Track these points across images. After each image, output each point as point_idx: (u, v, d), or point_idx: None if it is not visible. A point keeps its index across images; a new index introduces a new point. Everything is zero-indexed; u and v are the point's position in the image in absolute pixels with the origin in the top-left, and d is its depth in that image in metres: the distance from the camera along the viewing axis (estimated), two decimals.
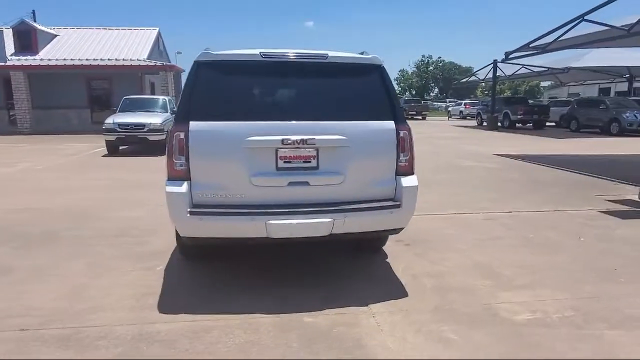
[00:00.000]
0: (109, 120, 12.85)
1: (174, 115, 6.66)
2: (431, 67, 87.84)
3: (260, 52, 3.45)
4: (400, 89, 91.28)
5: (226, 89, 3.48)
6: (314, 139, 3.34)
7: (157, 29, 26.72)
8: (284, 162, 3.36)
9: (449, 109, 43.21)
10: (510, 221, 5.78)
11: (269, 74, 3.56)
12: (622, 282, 3.88)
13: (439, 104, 59.91)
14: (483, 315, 3.27)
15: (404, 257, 4.45)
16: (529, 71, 24.55)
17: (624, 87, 30.13)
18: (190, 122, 3.28)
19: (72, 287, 3.72)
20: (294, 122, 3.37)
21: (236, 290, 3.65)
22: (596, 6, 9.51)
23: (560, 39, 10.71)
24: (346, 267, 4.24)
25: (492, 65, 25.07)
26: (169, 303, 3.43)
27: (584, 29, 10.29)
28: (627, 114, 19.40)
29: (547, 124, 25.71)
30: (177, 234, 3.80)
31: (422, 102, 44.29)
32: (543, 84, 57.17)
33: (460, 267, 4.20)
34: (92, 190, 7.72)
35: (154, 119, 12.80)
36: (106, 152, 12.98)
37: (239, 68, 3.51)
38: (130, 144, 12.97)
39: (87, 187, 8.07)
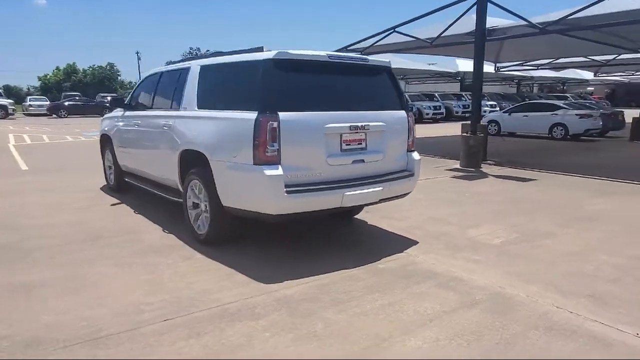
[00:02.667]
0: None
1: None
2: None
3: (327, 54, 4.10)
4: None
5: (302, 83, 4.02)
6: (368, 125, 4.22)
7: None
8: (346, 144, 4.14)
9: None
10: None
11: (332, 72, 4.24)
12: (515, 216, 5.90)
13: None
14: (476, 244, 4.74)
15: (378, 220, 5.59)
16: None
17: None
18: (279, 112, 3.74)
19: (156, 282, 3.70)
20: (353, 111, 4.17)
21: (293, 260, 4.22)
22: (404, 21, 12.18)
23: (377, 44, 13.22)
24: (349, 233, 5.18)
25: None
26: (259, 277, 3.79)
27: (395, 38, 12.91)
28: (425, 106, 24.78)
29: None
30: (213, 222, 4.23)
31: None
32: None
33: (423, 220, 5.61)
34: None
35: None
36: None
37: (311, 66, 4.09)
38: None
39: None
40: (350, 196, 4.07)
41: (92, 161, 10.52)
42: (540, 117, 16.38)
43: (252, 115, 3.76)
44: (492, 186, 7.98)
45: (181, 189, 4.93)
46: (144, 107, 5.93)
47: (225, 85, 4.43)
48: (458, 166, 9.90)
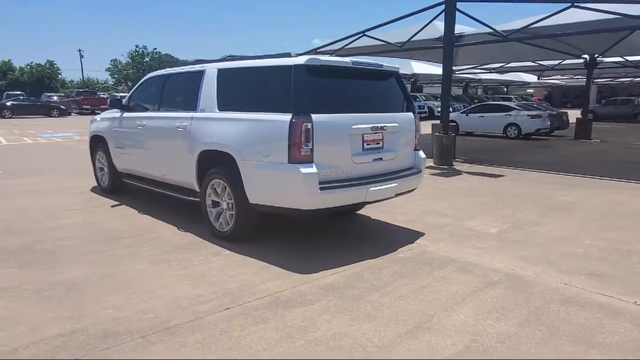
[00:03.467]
0: None
1: None
2: (147, 59, 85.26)
3: (350, 60, 4.42)
4: (114, 80, 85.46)
5: (329, 87, 4.32)
6: (385, 125, 4.58)
7: None
8: (367, 144, 4.48)
9: None
10: None
11: (354, 77, 4.55)
12: (500, 208, 6.48)
13: None
14: (477, 234, 5.22)
15: (379, 215, 5.97)
16: None
17: None
18: (312, 114, 4.02)
19: (197, 276, 3.87)
20: (372, 113, 4.52)
21: (317, 253, 4.52)
22: (374, 26, 12.69)
23: (347, 47, 13.66)
24: (358, 227, 5.53)
25: None
26: (293, 269, 4.05)
27: (366, 41, 13.39)
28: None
29: None
30: (238, 221, 4.49)
31: None
32: None
33: (420, 214, 6.05)
34: None
35: None
36: None
37: (337, 71, 4.38)
38: None
39: None
40: (373, 192, 4.42)
41: (66, 162, 10.31)
42: (496, 118, 17.46)
43: (286, 117, 4.02)
44: (469, 182, 8.58)
45: (197, 189, 5.08)
46: (149, 109, 5.98)
47: (251, 88, 4.63)
48: (432, 164, 10.49)
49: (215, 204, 4.87)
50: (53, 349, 2.75)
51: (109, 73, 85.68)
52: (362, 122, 4.41)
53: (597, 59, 17.16)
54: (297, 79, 4.11)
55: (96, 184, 7.46)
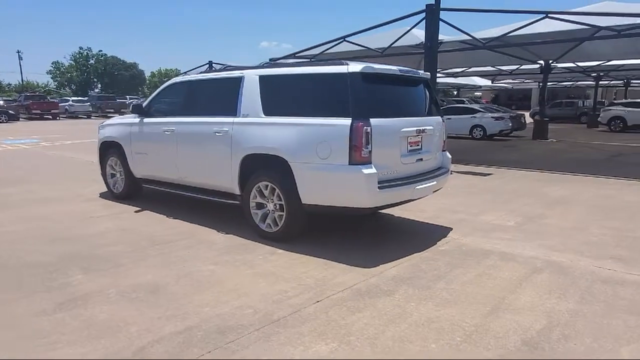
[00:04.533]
0: None
1: None
2: (92, 61, 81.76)
3: (397, 68, 4.75)
4: (56, 83, 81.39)
5: (381, 93, 4.63)
6: (425, 128, 4.95)
7: None
8: (410, 146, 4.83)
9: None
10: None
11: (400, 83, 4.89)
12: (504, 203, 7.03)
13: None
14: (497, 227, 5.69)
15: (400, 213, 6.32)
16: None
17: None
18: (370, 118, 4.32)
19: (268, 274, 4.06)
20: (414, 117, 4.88)
21: (366, 249, 4.82)
22: (355, 32, 13.11)
23: (327, 52, 14.01)
24: (388, 224, 5.87)
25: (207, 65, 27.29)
26: (355, 264, 4.32)
27: (347, 47, 13.78)
28: None
29: None
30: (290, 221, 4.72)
31: (118, 99, 42.01)
32: None
33: (436, 210, 6.47)
34: None
35: None
36: None
37: (387, 78, 4.70)
38: None
39: None
40: (419, 190, 4.78)
41: (49, 170, 10.05)
42: (462, 120, 18.41)
43: (346, 121, 4.29)
44: (462, 180, 9.13)
45: (237, 192, 5.23)
46: (176, 114, 6.03)
47: (301, 94, 4.84)
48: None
49: (260, 206, 5.05)
50: (179, 346, 2.88)
51: (51, 76, 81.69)
52: (409, 125, 4.75)
53: (552, 64, 18.49)
54: (354, 85, 4.38)
55: (101, 191, 7.38)
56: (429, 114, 5.30)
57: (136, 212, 6.30)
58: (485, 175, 9.71)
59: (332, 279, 3.99)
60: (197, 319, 3.22)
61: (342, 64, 4.53)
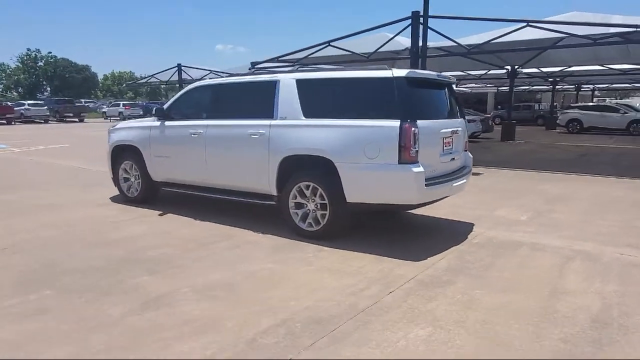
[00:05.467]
0: None
1: None
2: (41, 63, 78.05)
3: (435, 74, 5.04)
4: (2, 86, 77.14)
5: (423, 96, 4.90)
6: (457, 129, 5.28)
7: None
8: (444, 146, 5.14)
9: (105, 110, 41.56)
10: None
11: (437, 87, 5.20)
12: (510, 199, 7.49)
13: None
14: (514, 221, 6.09)
15: (418, 210, 6.62)
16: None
17: None
18: (417, 120, 4.59)
19: (326, 271, 4.24)
20: (449, 119, 5.21)
21: (405, 245, 5.07)
22: (341, 36, 13.42)
23: (311, 56, 14.22)
24: (412, 221, 6.16)
25: (176, 68, 26.91)
26: (403, 258, 4.55)
27: (332, 51, 14.03)
28: None
29: None
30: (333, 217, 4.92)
31: (77, 102, 40.35)
32: None
33: (451, 207, 6.80)
34: None
35: None
36: None
37: (427, 82, 4.99)
38: None
39: None
40: (455, 187, 5.10)
41: (39, 175, 9.72)
42: None
43: (395, 123, 4.54)
44: None
45: (274, 193, 5.36)
46: (203, 117, 6.07)
47: (344, 97, 5.04)
48: None
49: (299, 206, 5.20)
50: (286, 336, 3.02)
51: None
52: (446, 126, 5.07)
53: (518, 69, 19.54)
54: (400, 89, 4.64)
55: (108, 195, 7.34)
56: (456, 115, 5.64)
57: (160, 215, 6.28)
58: (477, 175, 10.20)
59: (391, 272, 4.21)
60: (288, 312, 3.36)
61: (385, 69, 4.78)
